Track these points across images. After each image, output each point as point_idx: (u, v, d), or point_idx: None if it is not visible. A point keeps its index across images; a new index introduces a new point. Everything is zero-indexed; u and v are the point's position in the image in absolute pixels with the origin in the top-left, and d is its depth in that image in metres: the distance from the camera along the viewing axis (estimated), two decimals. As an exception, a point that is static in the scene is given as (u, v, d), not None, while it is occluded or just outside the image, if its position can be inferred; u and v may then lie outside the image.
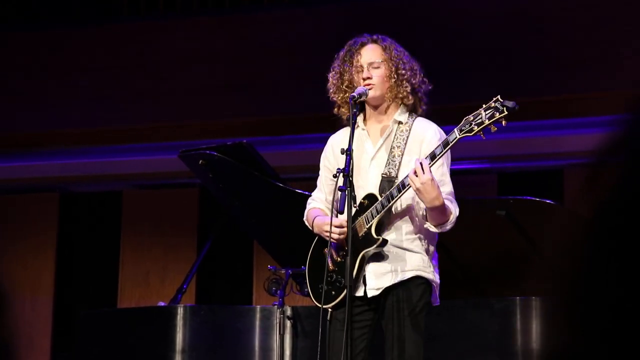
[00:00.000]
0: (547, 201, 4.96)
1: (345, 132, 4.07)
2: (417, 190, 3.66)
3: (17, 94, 8.36)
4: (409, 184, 3.72)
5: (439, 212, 3.74)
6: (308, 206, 4.12)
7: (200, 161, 5.24)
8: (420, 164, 3.66)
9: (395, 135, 3.93)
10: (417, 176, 3.64)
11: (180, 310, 5.06)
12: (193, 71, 8.04)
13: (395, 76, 3.93)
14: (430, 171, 3.67)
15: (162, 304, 5.34)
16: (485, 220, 5.09)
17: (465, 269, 5.36)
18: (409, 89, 3.94)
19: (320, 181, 4.14)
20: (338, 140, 4.08)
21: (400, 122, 3.95)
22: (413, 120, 3.95)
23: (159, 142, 8.23)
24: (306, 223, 4.10)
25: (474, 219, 5.10)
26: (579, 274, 0.90)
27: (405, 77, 3.93)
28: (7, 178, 8.74)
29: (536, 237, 5.04)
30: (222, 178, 5.34)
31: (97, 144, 8.43)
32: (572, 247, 0.92)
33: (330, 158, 4.08)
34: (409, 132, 3.92)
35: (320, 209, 4.07)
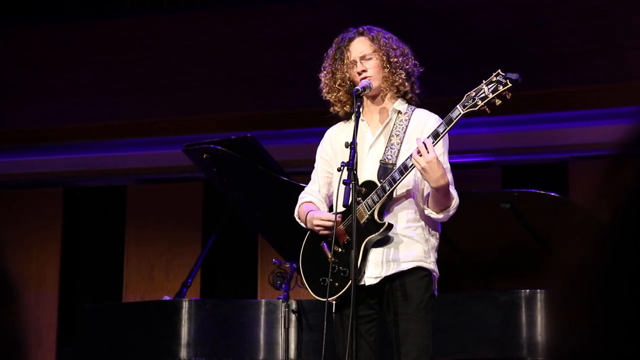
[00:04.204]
0: (552, 194, 4.96)
1: (342, 125, 4.07)
2: (422, 170, 3.62)
3: (21, 89, 8.37)
4: (411, 166, 3.70)
5: (443, 193, 3.70)
6: (300, 201, 4.07)
7: (205, 155, 5.24)
8: (424, 143, 3.64)
9: (395, 124, 3.92)
10: (420, 156, 3.63)
11: (185, 304, 5.06)
12: (197, 65, 8.04)
13: (388, 65, 3.91)
14: (434, 150, 3.65)
15: (167, 298, 5.35)
16: (490, 213, 5.09)
17: (469, 261, 5.36)
18: (403, 75, 3.92)
19: (315, 173, 4.11)
20: (337, 132, 4.07)
21: (399, 112, 3.94)
22: (412, 111, 3.94)
23: (163, 136, 8.23)
24: (297, 219, 4.05)
25: (479, 212, 5.10)
26: (599, 269, 0.89)
27: (398, 64, 3.92)
28: (12, 173, 8.76)
29: (541, 230, 5.04)
30: (227, 172, 5.34)
31: (101, 139, 8.44)
32: (591, 241, 0.91)
33: (328, 150, 4.06)
34: (409, 122, 3.91)
35: (312, 203, 4.03)
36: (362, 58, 3.92)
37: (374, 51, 3.93)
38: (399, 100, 3.96)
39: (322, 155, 4.10)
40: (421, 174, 3.67)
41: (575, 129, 7.44)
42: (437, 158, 3.62)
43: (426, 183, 3.79)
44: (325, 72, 3.99)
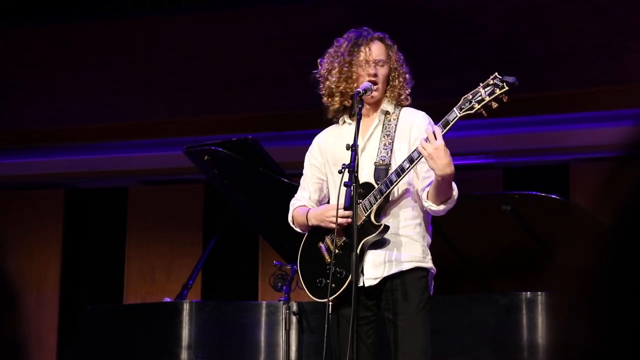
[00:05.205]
0: (553, 196, 4.96)
1: (330, 130, 4.09)
2: (429, 157, 3.62)
3: (23, 90, 8.37)
4: (408, 167, 3.72)
5: (447, 183, 3.70)
6: (292, 207, 4.07)
7: (206, 157, 5.24)
8: (433, 131, 3.65)
9: (384, 125, 3.93)
10: (428, 143, 3.63)
11: (186, 306, 5.06)
12: (197, 65, 8.04)
13: (397, 76, 3.94)
14: (442, 139, 3.65)
15: (167, 299, 5.35)
16: (491, 215, 5.08)
17: (470, 263, 5.36)
18: (408, 91, 3.96)
19: (304, 180, 4.11)
20: (325, 137, 4.08)
21: (387, 112, 3.95)
22: (400, 110, 3.96)
23: (163, 137, 8.23)
24: (292, 224, 4.05)
25: (480, 214, 5.10)
26: (601, 271, 0.89)
27: (407, 79, 3.95)
28: (13, 174, 8.76)
29: (542, 233, 5.04)
30: (228, 174, 5.34)
31: (102, 140, 8.44)
32: (593, 243, 0.91)
33: (317, 156, 4.07)
34: (397, 121, 3.93)
35: (306, 207, 4.03)
36: (377, 63, 3.93)
37: (388, 59, 3.95)
38: (386, 101, 3.97)
39: (311, 162, 4.10)
40: (427, 161, 3.67)
41: (576, 131, 7.44)
42: (444, 146, 3.63)
43: (422, 181, 3.80)
44: (340, 59, 3.95)
